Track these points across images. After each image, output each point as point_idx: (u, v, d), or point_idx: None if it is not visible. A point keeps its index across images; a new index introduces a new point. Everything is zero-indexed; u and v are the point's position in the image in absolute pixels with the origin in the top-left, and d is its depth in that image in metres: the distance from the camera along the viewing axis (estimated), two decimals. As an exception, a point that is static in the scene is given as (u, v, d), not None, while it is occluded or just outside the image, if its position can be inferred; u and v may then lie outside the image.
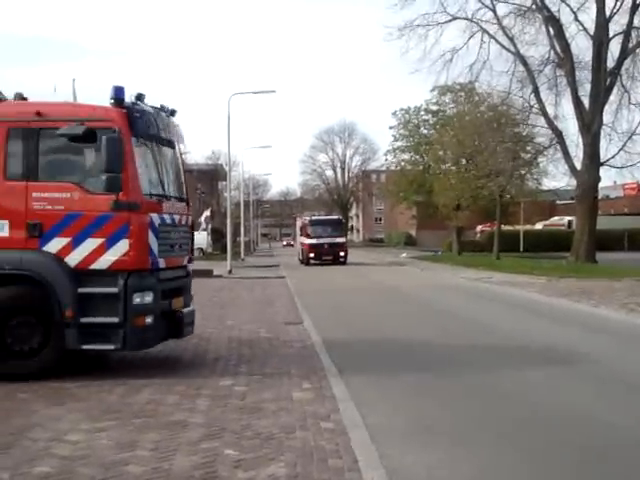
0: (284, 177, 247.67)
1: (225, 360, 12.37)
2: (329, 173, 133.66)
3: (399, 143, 75.87)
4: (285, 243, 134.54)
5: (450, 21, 45.86)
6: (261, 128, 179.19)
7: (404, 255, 63.74)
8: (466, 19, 45.51)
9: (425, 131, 73.62)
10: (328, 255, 51.58)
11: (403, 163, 75.39)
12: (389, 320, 18.90)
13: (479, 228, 77.52)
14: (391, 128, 76.49)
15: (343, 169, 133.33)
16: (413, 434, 8.26)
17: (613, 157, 43.33)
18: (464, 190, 56.90)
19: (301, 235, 57.45)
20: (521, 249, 65.34)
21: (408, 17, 70.30)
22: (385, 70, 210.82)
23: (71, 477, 6.49)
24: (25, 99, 11.51)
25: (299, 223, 62.77)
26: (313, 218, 57.52)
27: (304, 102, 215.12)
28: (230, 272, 37.68)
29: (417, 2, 52.04)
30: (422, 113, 73.58)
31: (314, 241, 52.06)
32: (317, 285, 31.96)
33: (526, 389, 10.56)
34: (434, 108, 71.35)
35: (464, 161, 61.22)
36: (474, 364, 12.40)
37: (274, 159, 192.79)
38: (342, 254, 52.14)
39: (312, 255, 51.98)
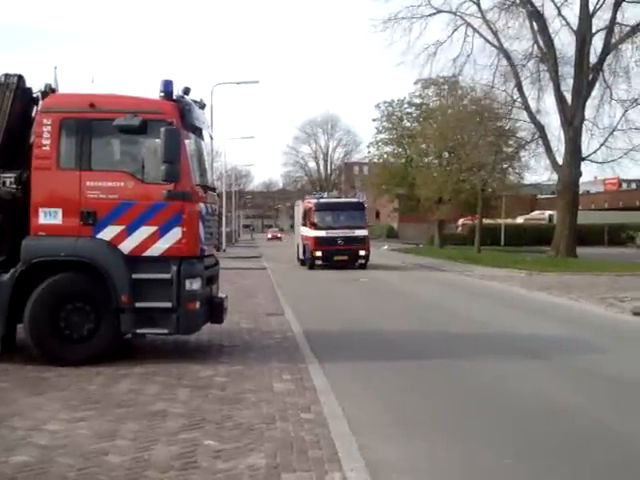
0: (267, 168, 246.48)
1: (205, 350, 12.38)
2: (312, 165, 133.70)
3: (382, 135, 75.81)
4: (270, 236, 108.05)
5: (434, 14, 45.93)
6: (244, 119, 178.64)
7: (385, 247, 63.80)
8: (450, 12, 45.61)
9: (408, 124, 73.58)
10: (342, 254, 35.86)
11: (386, 156, 75.33)
12: (371, 310, 18.95)
13: (461, 221, 77.74)
14: (374, 120, 76.39)
15: (326, 161, 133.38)
16: (394, 426, 8.29)
17: (594, 152, 43.64)
18: (446, 183, 57.01)
19: (304, 224, 39.21)
20: (502, 243, 65.65)
21: (393, 9, 70.37)
22: (369, 62, 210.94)
23: (50, 466, 6.47)
24: (54, 90, 11.70)
25: (300, 208, 42.82)
26: (322, 200, 38.83)
27: (287, 93, 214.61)
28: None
29: (402, -6, 52.15)
30: (405, 106, 73.53)
31: (322, 234, 35.80)
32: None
33: (506, 381, 10.64)
34: (417, 101, 71.34)
35: (446, 154, 61.41)
36: (455, 356, 12.47)
37: (257, 150, 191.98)
38: (362, 253, 36.24)
39: (319, 254, 35.94)
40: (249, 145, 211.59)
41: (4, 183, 11.05)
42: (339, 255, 35.80)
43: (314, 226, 36.44)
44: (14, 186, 11.03)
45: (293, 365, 11.10)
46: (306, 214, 38.77)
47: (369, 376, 10.93)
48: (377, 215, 50.32)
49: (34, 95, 11.73)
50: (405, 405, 9.30)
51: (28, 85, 11.74)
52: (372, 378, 10.82)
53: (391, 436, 7.87)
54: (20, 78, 11.54)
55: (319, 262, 36.10)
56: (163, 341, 12.68)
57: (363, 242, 36.31)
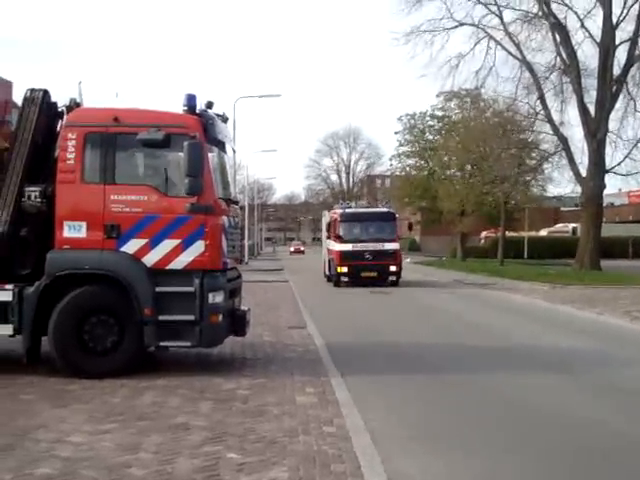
0: (289, 181, 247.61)
1: (228, 363, 12.40)
2: (334, 177, 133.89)
3: (404, 148, 75.92)
4: (293, 249, 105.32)
5: (456, 27, 45.93)
6: (266, 132, 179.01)
7: (408, 260, 63.67)
8: (472, 25, 45.58)
9: (430, 136, 73.63)
10: (370, 270, 32.22)
11: (408, 168, 75.40)
12: (391, 322, 18.91)
13: (483, 234, 77.48)
14: (396, 133, 76.60)
15: (348, 174, 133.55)
16: (416, 439, 8.26)
17: (618, 164, 43.42)
18: (469, 196, 56.94)
19: (328, 237, 36.48)
20: (525, 256, 65.27)
21: (415, 22, 70.55)
22: (391, 75, 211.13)
23: (74, 478, 6.50)
24: (79, 105, 11.83)
25: (326, 218, 39.46)
26: (348, 211, 34.99)
27: (310, 106, 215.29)
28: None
29: (424, 8, 52.14)
30: (427, 118, 73.62)
31: (348, 247, 32.27)
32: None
33: (528, 394, 10.55)
34: (439, 114, 71.40)
35: (469, 167, 61.33)
36: (477, 370, 12.40)
37: (279, 163, 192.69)
38: (393, 269, 32.47)
39: (344, 270, 32.30)
40: (272, 158, 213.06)
41: (29, 197, 11.15)
42: (367, 271, 32.18)
43: (339, 239, 32.92)
44: (39, 200, 11.14)
45: (316, 378, 11.09)
46: (330, 226, 35.57)
47: (392, 389, 10.89)
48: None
49: (59, 109, 11.86)
50: (427, 419, 9.26)
51: (54, 99, 11.89)
52: (394, 391, 10.78)
53: (413, 450, 7.84)
54: (45, 93, 11.68)
55: (345, 279, 32.49)
56: (186, 354, 12.72)
57: (394, 256, 32.59)
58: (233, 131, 41.66)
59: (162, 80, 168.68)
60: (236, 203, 13.24)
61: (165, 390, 10.14)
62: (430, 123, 73.78)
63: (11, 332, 11.03)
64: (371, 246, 32.32)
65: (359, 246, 32.28)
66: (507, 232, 59.68)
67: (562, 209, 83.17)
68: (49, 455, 7.15)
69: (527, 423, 8.98)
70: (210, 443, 7.63)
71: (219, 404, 9.36)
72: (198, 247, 11.02)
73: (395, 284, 32.40)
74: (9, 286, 11.00)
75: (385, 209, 35.68)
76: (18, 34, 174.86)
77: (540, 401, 10.19)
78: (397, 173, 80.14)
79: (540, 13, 43.16)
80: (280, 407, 9.22)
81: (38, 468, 6.75)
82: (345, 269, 32.33)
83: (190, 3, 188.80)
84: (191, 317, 10.86)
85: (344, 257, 32.30)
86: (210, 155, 11.38)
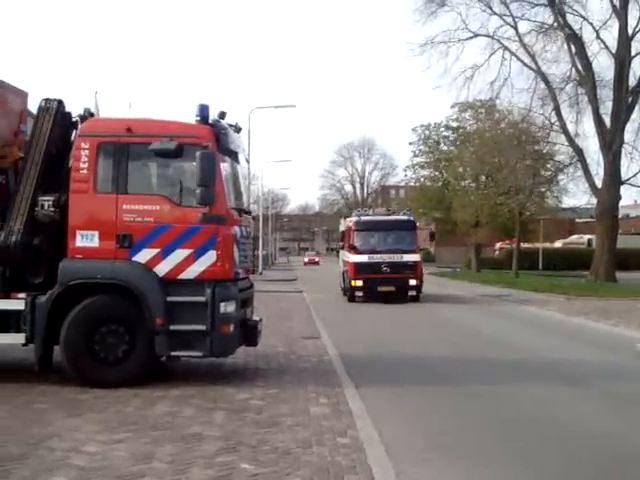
0: (303, 191, 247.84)
1: (241, 373, 12.39)
2: (348, 188, 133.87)
3: (419, 159, 75.85)
4: (307, 259, 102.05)
5: (471, 38, 45.98)
6: (281, 142, 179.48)
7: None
8: (487, 36, 45.60)
9: (445, 147, 73.56)
10: (388, 284, 29.14)
11: (422, 179, 75.29)
12: (404, 332, 18.87)
13: (498, 245, 77.21)
14: (411, 144, 76.54)
15: (362, 184, 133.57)
16: (430, 451, 8.21)
17: (634, 176, 43.32)
18: (483, 207, 56.79)
19: (342, 247, 34.32)
20: (540, 267, 65.06)
21: (430, 33, 70.51)
22: (406, 86, 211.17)
23: (88, 488, 6.50)
24: (93, 115, 11.88)
25: (342, 226, 36.53)
26: (363, 218, 31.57)
27: (324, 117, 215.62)
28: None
29: (439, 19, 52.24)
30: (442, 129, 73.56)
31: (363, 259, 29.56)
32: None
33: (545, 407, 10.49)
34: (454, 124, 71.30)
35: (484, 178, 61.17)
36: (492, 382, 12.33)
37: (294, 173, 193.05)
38: (414, 283, 29.65)
39: (359, 283, 29.51)
40: (286, 168, 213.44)
41: (42, 206, 11.20)
42: (384, 285, 29.11)
43: (354, 249, 30.09)
44: (52, 209, 11.19)
45: (329, 389, 11.07)
46: (344, 235, 32.93)
47: (406, 400, 10.86)
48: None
49: (73, 119, 11.92)
50: (442, 430, 9.20)
51: (68, 109, 11.95)
52: (409, 402, 10.74)
53: (428, 461, 7.79)
54: (60, 103, 11.75)
55: (360, 293, 29.74)
56: (199, 364, 12.71)
57: (414, 269, 29.64)
58: (248, 141, 41.95)
59: (177, 91, 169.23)
60: (248, 213, 13.25)
61: (179, 400, 10.14)
62: (445, 134, 73.75)
63: (23, 341, 11.06)
64: (388, 257, 29.42)
65: (376, 257, 29.47)
66: (522, 243, 59.50)
67: (577, 220, 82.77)
68: (63, 464, 7.15)
69: (543, 435, 8.91)
70: (224, 453, 7.62)
71: (233, 414, 9.35)
72: (210, 257, 11.02)
73: (416, 299, 29.67)
74: (22, 295, 11.05)
75: (405, 217, 32.13)
76: (33, 44, 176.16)
77: (557, 413, 10.12)
78: (411, 184, 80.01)
79: (555, 24, 43.14)
80: (294, 418, 9.20)
81: (53, 477, 6.76)
82: (360, 283, 29.50)
83: (206, 14, 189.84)
84: (202, 327, 10.86)
85: (359, 269, 29.46)
86: (222, 165, 11.40)
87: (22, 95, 12.74)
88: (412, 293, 29.63)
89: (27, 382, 10.97)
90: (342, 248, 34.12)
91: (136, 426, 8.65)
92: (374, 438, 8.41)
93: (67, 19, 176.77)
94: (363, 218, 31.56)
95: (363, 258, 29.57)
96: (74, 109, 12.02)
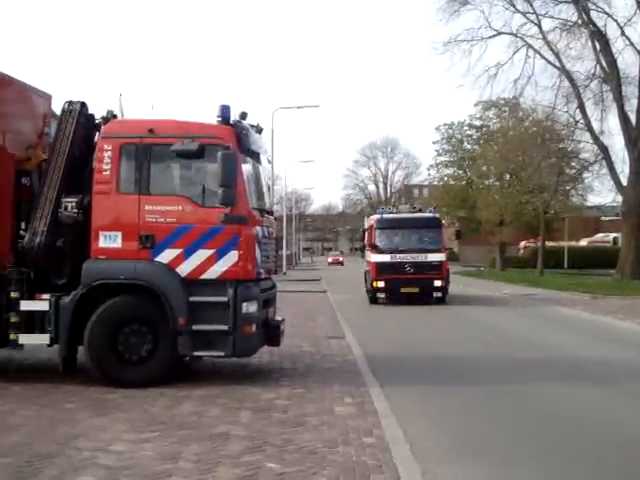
0: (327, 191, 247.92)
1: (267, 373, 12.43)
2: (371, 188, 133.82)
3: (442, 158, 75.72)
4: (331, 260, 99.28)
5: (495, 36, 45.83)
6: (304, 142, 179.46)
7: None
8: (511, 34, 45.44)
9: (468, 146, 73.38)
10: (411, 285, 27.90)
11: (446, 178, 75.13)
12: (428, 331, 18.84)
13: (522, 244, 76.84)
14: (434, 143, 76.42)
15: (385, 184, 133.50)
16: (456, 451, 8.18)
17: (660, 173, 42.77)
18: (507, 205, 56.58)
19: (363, 246, 32.72)
20: (565, 266, 64.61)
21: (453, 32, 70.27)
22: (429, 85, 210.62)
23: (115, 487, 6.55)
24: (115, 116, 11.95)
25: (365, 224, 33.93)
26: (385, 216, 29.88)
27: (348, 117, 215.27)
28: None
29: (462, 17, 51.99)
30: (466, 128, 73.37)
31: (386, 258, 28.25)
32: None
33: (573, 407, 10.40)
34: (478, 123, 71.10)
35: (508, 176, 60.97)
36: (518, 381, 12.27)
37: (317, 173, 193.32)
38: (439, 284, 28.09)
39: (381, 285, 28.34)
40: (309, 169, 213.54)
41: (66, 207, 11.29)
42: (407, 286, 27.89)
43: (375, 249, 28.78)
44: (75, 210, 11.26)
45: (354, 388, 11.06)
46: (365, 233, 31.42)
47: (431, 400, 10.83)
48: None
49: (97, 121, 11.99)
50: (467, 430, 9.17)
51: (91, 112, 12.02)
52: (434, 402, 10.71)
53: (453, 461, 7.77)
54: (83, 105, 11.82)
55: (382, 295, 28.80)
56: (224, 363, 12.76)
57: (439, 269, 28.08)
58: (271, 141, 42.01)
59: (201, 92, 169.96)
60: (271, 213, 13.24)
61: (204, 399, 10.18)
62: (468, 133, 73.55)
63: (48, 342, 11.15)
64: (412, 257, 27.97)
65: (399, 257, 28.02)
66: (547, 242, 59.16)
67: (603, 219, 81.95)
68: (91, 463, 7.20)
69: (570, 435, 8.85)
70: (250, 453, 7.64)
71: (258, 414, 9.38)
72: (231, 257, 11.06)
73: (441, 301, 28.29)
74: (46, 296, 11.14)
75: (430, 214, 30.58)
76: (57, 47, 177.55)
77: (584, 413, 10.04)
78: (435, 183, 79.90)
79: (579, 21, 42.88)
80: (319, 417, 9.21)
81: (80, 476, 6.81)
82: (382, 284, 28.25)
83: (231, 15, 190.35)
84: (224, 327, 10.89)
85: (381, 270, 28.16)
86: (244, 166, 11.43)
87: (46, 97, 12.85)
88: (437, 295, 28.23)
89: (54, 382, 11.07)
90: (363, 247, 32.86)
91: (162, 426, 8.70)
92: (399, 437, 8.39)
93: (91, 22, 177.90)
94: (385, 216, 29.96)
95: (385, 258, 28.27)
96: (98, 111, 12.12)
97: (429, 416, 9.86)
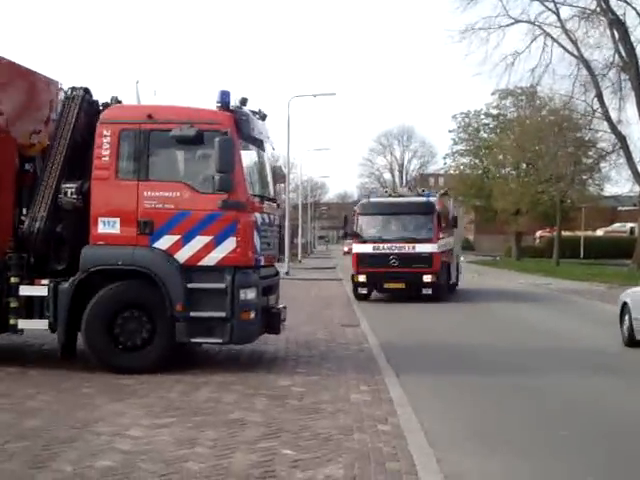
0: (342, 180, 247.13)
1: (282, 360, 12.47)
2: (387, 176, 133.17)
3: (458, 147, 75.45)
4: (347, 249, 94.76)
5: (512, 24, 45.38)
6: (320, 131, 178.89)
7: (462, 260, 63.18)
8: (528, 22, 45.01)
9: (485, 135, 73.08)
10: (396, 280, 24.52)
11: (462, 167, 74.91)
12: (443, 321, 18.83)
13: (539, 233, 76.64)
14: (450, 132, 76.12)
15: (401, 172, 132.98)
16: (472, 439, 8.19)
17: (678, 162, 42.51)
18: (524, 195, 56.43)
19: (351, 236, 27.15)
20: (581, 255, 64.39)
21: (470, 20, 70.02)
22: (445, 73, 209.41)
23: (132, 472, 6.59)
24: (120, 102, 11.93)
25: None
26: (371, 200, 27.06)
27: (364, 105, 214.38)
28: (287, 273, 37.83)
29: (479, 5, 51.82)
30: (482, 117, 73.04)
31: (367, 249, 24.93)
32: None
33: (587, 398, 10.38)
34: (494, 112, 70.78)
35: (524, 165, 60.82)
36: (535, 370, 12.27)
37: (332, 162, 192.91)
38: (428, 279, 24.26)
39: (362, 279, 24.96)
40: (325, 157, 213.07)
41: (66, 193, 11.28)
42: (391, 282, 24.67)
43: (357, 238, 25.58)
44: (75, 196, 11.24)
45: (370, 376, 11.09)
46: (347, 219, 28.15)
47: (446, 388, 10.85)
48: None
49: (100, 107, 11.92)
50: (483, 419, 9.19)
51: (95, 98, 11.97)
52: (449, 390, 10.73)
53: (469, 449, 7.79)
54: (86, 91, 11.75)
55: (363, 291, 25.19)
56: (240, 350, 12.81)
57: (429, 262, 24.27)
58: (287, 129, 41.85)
59: (217, 81, 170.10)
60: (274, 200, 13.09)
61: (220, 386, 10.24)
62: (485, 121, 73.23)
63: (46, 327, 11.18)
64: (399, 248, 24.45)
65: (382, 247, 24.59)
66: (563, 231, 58.96)
67: (620, 208, 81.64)
68: (109, 448, 7.26)
69: (586, 426, 8.83)
70: (265, 439, 7.68)
71: (274, 400, 9.42)
72: (230, 244, 11.01)
73: (433, 298, 24.29)
74: (45, 281, 11.16)
75: (422, 199, 26.34)
76: (65, 34, 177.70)
77: (600, 403, 10.03)
78: (451, 172, 79.64)
79: (598, 9, 42.47)
80: (334, 404, 9.25)
81: (98, 460, 6.85)
82: (362, 278, 24.92)
83: (248, 4, 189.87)
84: (222, 314, 10.86)
85: (362, 262, 24.92)
86: (244, 152, 11.36)
87: (53, 84, 12.81)
88: (427, 291, 24.45)
89: (72, 368, 11.13)
90: (345, 236, 30.59)
91: (179, 411, 8.76)
92: (415, 425, 8.41)
93: (98, 9, 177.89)
94: (371, 200, 27.02)
95: (367, 248, 24.88)
96: (104, 98, 12.06)
97: (445, 405, 9.87)
